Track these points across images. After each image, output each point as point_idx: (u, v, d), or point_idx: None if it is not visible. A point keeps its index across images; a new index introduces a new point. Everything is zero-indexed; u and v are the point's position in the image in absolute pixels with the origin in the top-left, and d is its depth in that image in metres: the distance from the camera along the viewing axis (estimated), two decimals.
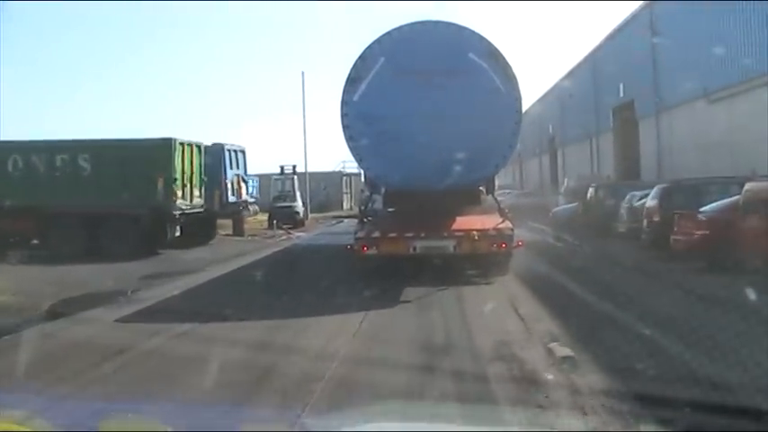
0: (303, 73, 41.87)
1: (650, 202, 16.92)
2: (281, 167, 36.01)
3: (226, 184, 22.61)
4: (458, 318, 9.71)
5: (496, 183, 14.77)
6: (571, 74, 44.03)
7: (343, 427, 3.50)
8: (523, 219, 27.56)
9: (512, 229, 12.45)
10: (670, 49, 26.51)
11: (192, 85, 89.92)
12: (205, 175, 20.84)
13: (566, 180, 31.18)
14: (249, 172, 25.28)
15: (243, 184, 24.14)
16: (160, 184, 18.59)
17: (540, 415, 4.98)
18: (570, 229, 23.40)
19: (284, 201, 33.98)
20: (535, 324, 8.81)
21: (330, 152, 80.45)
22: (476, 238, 12.18)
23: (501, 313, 9.72)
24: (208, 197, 21.26)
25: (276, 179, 35.90)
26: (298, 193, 34.96)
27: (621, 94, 32.75)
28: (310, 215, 40.71)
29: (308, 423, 4.22)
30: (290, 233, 28.60)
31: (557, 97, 46.70)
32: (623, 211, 19.83)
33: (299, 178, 36.85)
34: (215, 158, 22.05)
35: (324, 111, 78.64)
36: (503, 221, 12.62)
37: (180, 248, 19.62)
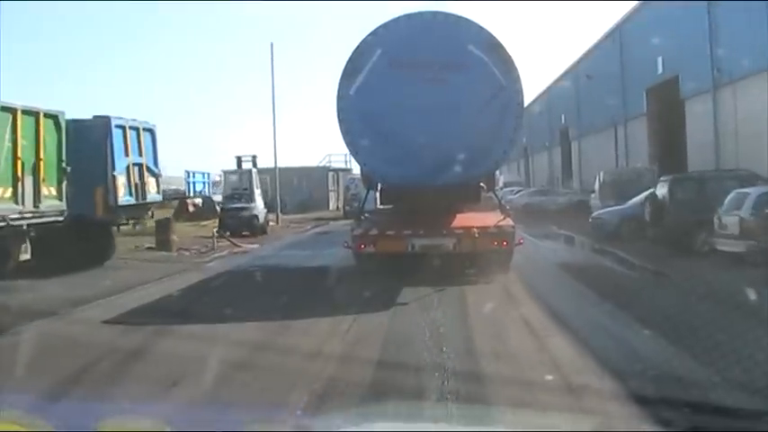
0: (272, 44, 36.15)
1: None
2: (238, 159, 28.92)
3: (114, 178, 15.64)
4: None
5: (502, 180, 14.44)
6: (590, 54, 39.65)
7: (343, 427, 3.44)
8: (546, 224, 21.66)
9: (513, 227, 12.35)
10: (735, 4, 21.04)
11: (163, 75, 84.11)
12: (68, 163, 13.98)
13: (601, 174, 24.75)
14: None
15: (150, 179, 17.25)
16: None
17: (539, 415, 4.33)
18: (624, 241, 17.42)
19: (238, 201, 26.89)
20: None
21: (314, 147, 74.54)
22: (476, 235, 12.06)
23: None
24: (77, 197, 14.34)
25: (230, 174, 29.11)
26: (257, 192, 27.56)
27: (660, 71, 27.77)
28: (282, 217, 34.11)
29: (308, 423, 4.02)
30: (237, 246, 21.59)
31: (571, 83, 42.49)
32: (730, 218, 13.35)
33: (260, 173, 29.68)
34: (95, 139, 15.07)
35: (309, 104, 72.49)
36: (504, 218, 12.58)
37: (40, 276, 12.83)
